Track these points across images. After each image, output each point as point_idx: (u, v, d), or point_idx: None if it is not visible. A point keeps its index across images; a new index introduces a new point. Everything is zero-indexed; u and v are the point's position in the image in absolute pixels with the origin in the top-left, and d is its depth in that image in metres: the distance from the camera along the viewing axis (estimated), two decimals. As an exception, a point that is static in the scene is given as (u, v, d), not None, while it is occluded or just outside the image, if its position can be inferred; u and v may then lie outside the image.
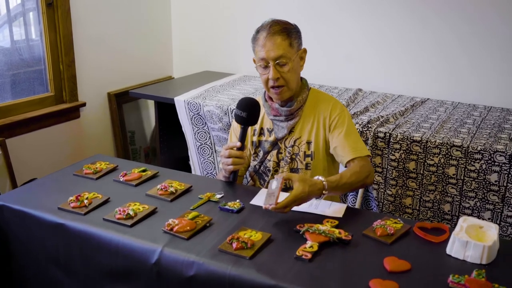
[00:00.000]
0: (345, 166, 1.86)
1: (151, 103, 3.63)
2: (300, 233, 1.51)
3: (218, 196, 1.78)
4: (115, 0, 3.25)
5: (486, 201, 2.18)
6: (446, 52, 2.94)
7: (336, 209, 1.69)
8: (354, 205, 2.42)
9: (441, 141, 2.20)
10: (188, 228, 1.53)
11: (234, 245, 1.43)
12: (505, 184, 2.10)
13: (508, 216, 2.14)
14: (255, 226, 1.57)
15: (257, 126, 1.97)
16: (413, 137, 2.25)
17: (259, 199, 1.76)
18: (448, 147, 2.18)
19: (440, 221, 2.30)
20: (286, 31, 1.82)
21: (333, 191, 1.68)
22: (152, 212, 1.65)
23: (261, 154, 1.99)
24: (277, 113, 1.92)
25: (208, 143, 2.87)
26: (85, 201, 1.68)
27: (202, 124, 2.83)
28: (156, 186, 1.82)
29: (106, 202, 1.72)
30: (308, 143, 1.91)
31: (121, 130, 3.39)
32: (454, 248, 1.43)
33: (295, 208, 1.66)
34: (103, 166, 2.02)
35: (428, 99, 2.91)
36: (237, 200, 1.72)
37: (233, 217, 1.64)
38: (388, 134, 2.30)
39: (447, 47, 2.93)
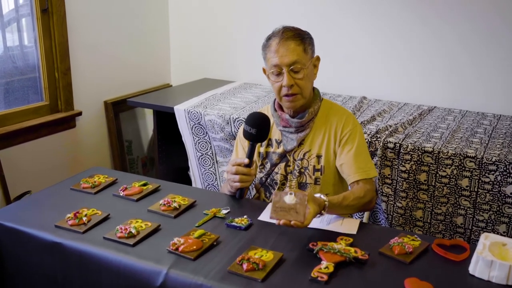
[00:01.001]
0: (349, 185, 1.79)
1: (148, 112, 3.53)
2: (314, 252, 1.43)
3: (224, 211, 1.70)
4: (112, 7, 3.17)
5: (501, 214, 2.10)
6: (452, 59, 2.87)
7: (349, 225, 1.61)
8: (362, 218, 2.34)
9: (453, 152, 2.12)
10: (194, 247, 1.44)
11: (245, 266, 1.34)
12: (521, 197, 2.03)
13: (525, 229, 2.07)
14: (265, 244, 1.49)
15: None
16: (424, 147, 2.17)
17: (268, 215, 1.67)
18: (461, 158, 2.10)
19: (453, 235, 2.22)
20: (300, 37, 1.74)
21: (332, 212, 1.63)
22: (155, 230, 1.56)
23: (268, 166, 1.90)
24: (287, 124, 1.83)
25: (209, 153, 2.78)
26: (84, 218, 1.59)
27: (203, 133, 2.74)
28: (158, 201, 1.74)
29: (106, 219, 1.63)
30: (318, 157, 1.83)
31: (118, 140, 3.29)
32: (478, 268, 1.35)
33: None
34: (102, 179, 1.93)
35: (435, 107, 2.84)
36: (245, 216, 1.64)
37: (241, 234, 1.56)
38: (398, 145, 2.22)
39: (454, 54, 2.86)
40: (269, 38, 1.78)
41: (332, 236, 1.53)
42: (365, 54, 3.09)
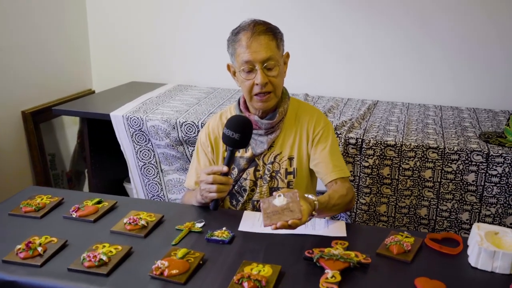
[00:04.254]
0: (325, 185, 1.69)
1: (68, 121, 3.20)
2: (314, 260, 1.31)
3: (199, 225, 1.53)
4: (25, 6, 2.82)
5: (464, 202, 2.13)
6: (392, 54, 2.90)
7: (336, 227, 1.53)
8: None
9: (416, 144, 2.11)
10: (181, 269, 1.26)
11: (246, 285, 1.19)
12: (482, 183, 2.07)
13: (486, 215, 2.11)
14: (257, 257, 1.35)
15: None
16: (386, 141, 2.15)
17: (248, 224, 1.54)
18: (424, 149, 2.10)
19: (417, 227, 2.22)
20: (272, 32, 1.62)
21: (321, 214, 1.51)
22: (128, 254, 1.35)
23: (235, 172, 1.75)
24: (256, 126, 1.69)
25: (152, 162, 2.55)
26: (39, 249, 1.34)
27: (145, 141, 2.51)
28: (121, 220, 1.53)
29: (63, 246, 1.39)
30: (290, 159, 1.71)
31: (40, 154, 2.94)
32: (481, 259, 1.33)
33: (289, 231, 1.44)
34: (45, 200, 1.67)
35: (378, 101, 2.85)
36: (224, 228, 1.49)
37: (227, 249, 1.40)
38: (360, 140, 2.17)
39: (394, 50, 2.89)
40: (237, 32, 1.63)
41: (324, 241, 1.43)
42: (305, 50, 3.03)
